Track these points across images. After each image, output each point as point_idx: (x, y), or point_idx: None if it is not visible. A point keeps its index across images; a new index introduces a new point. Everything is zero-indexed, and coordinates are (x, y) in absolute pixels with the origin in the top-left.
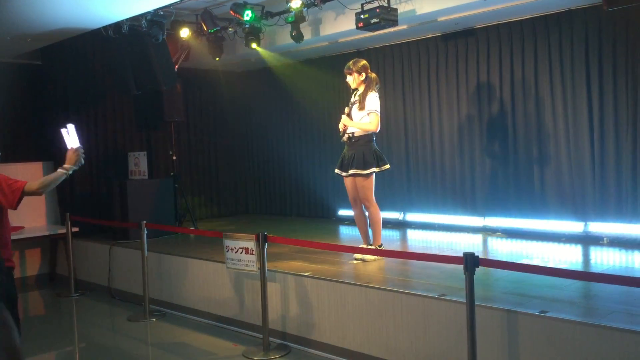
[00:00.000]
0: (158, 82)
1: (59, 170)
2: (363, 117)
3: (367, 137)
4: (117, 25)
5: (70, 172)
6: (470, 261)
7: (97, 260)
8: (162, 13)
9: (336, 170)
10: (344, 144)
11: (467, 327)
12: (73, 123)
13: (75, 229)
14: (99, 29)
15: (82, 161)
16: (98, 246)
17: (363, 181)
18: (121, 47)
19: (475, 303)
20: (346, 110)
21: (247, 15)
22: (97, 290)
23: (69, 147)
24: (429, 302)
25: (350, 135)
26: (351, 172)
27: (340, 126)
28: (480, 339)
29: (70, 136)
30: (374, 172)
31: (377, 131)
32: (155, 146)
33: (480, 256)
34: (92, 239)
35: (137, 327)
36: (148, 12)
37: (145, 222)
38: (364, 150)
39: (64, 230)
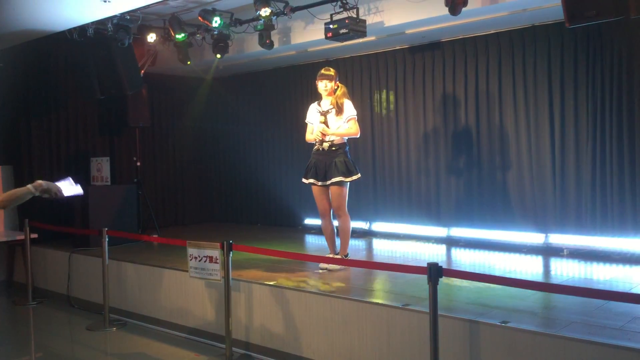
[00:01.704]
0: (123, 86)
1: (28, 186)
2: (341, 125)
3: (344, 146)
4: (82, 29)
5: (37, 193)
6: (434, 271)
7: (56, 268)
8: (128, 17)
9: (310, 180)
10: (314, 153)
11: (430, 337)
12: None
13: (34, 236)
14: (63, 32)
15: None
16: (57, 253)
17: (340, 190)
18: (86, 50)
19: (439, 313)
20: (321, 119)
21: (216, 22)
22: (56, 298)
23: (60, 184)
24: (393, 312)
25: (330, 143)
26: (334, 179)
27: (317, 135)
28: (443, 349)
29: (67, 186)
30: (354, 179)
31: (359, 135)
32: (119, 152)
33: (444, 266)
34: (51, 246)
35: (96, 336)
36: (114, 16)
37: (106, 229)
38: (345, 159)
39: (22, 237)
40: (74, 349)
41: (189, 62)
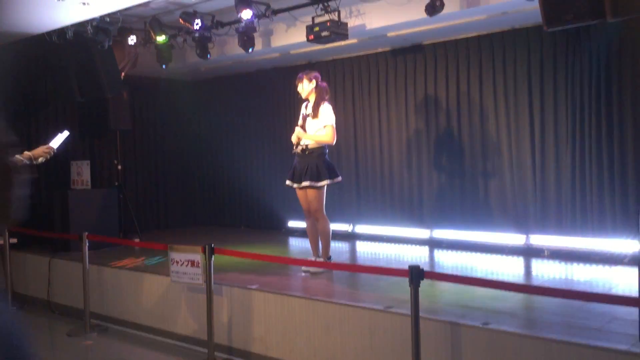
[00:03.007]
0: (103, 89)
1: (17, 157)
2: (318, 130)
3: (320, 150)
4: (62, 31)
5: (27, 161)
6: (415, 274)
7: (36, 273)
8: (108, 19)
9: (287, 182)
10: (295, 155)
11: (412, 339)
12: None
13: (14, 240)
14: (42, 34)
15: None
16: (37, 258)
17: (315, 193)
18: (65, 52)
19: (420, 315)
20: (299, 122)
21: (197, 24)
22: (36, 304)
23: (49, 143)
24: (375, 314)
25: (304, 147)
26: (304, 184)
27: (294, 138)
28: (424, 351)
29: (57, 139)
30: (327, 184)
31: (333, 143)
32: (100, 155)
33: (426, 268)
34: (30, 251)
35: (77, 342)
36: (94, 18)
37: (86, 233)
38: (317, 163)
39: (1, 242)
40: (54, 355)
41: (163, 66)
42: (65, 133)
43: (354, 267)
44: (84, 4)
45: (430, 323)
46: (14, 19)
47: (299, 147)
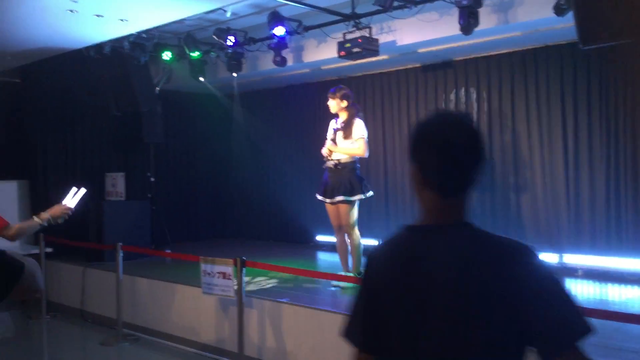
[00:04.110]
0: (138, 103)
1: (35, 219)
2: (351, 144)
3: (352, 164)
4: (99, 46)
5: (45, 223)
6: None
7: (70, 282)
8: (145, 35)
9: (319, 197)
10: (324, 169)
11: None
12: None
13: (49, 250)
14: (80, 49)
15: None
16: (71, 268)
17: (347, 208)
18: (102, 67)
19: None
20: (330, 136)
21: (230, 40)
22: (69, 312)
23: (63, 202)
24: None
25: (337, 162)
26: (338, 199)
27: (325, 151)
28: None
29: (73, 196)
30: (360, 199)
31: (366, 156)
32: (133, 167)
33: None
34: (65, 260)
35: (110, 351)
36: (131, 34)
37: (120, 244)
38: (350, 178)
39: (37, 251)
40: None
41: (201, 79)
42: (83, 190)
43: None
44: (122, 20)
45: None
46: (54, 34)
47: (331, 162)
